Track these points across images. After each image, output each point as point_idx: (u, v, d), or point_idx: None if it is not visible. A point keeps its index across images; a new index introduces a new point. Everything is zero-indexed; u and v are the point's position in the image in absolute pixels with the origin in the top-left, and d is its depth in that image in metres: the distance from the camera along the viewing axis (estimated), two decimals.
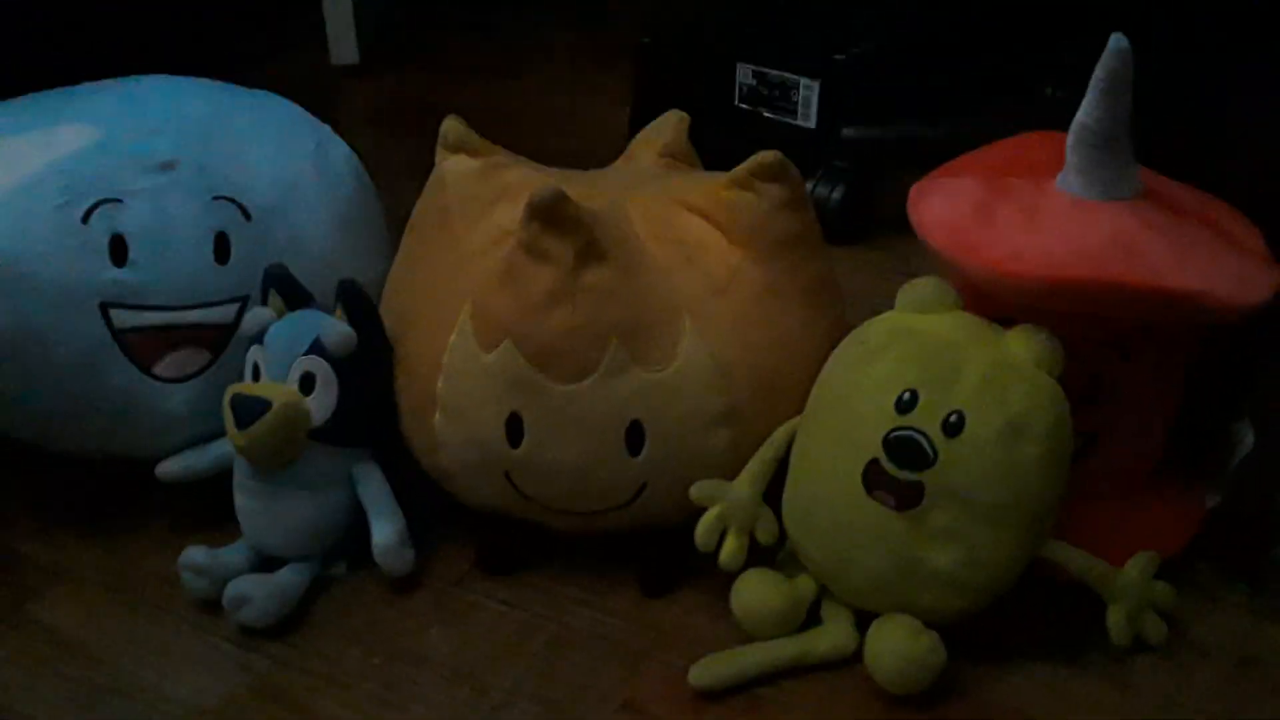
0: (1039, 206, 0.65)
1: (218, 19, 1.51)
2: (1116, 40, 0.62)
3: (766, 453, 0.67)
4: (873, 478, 0.62)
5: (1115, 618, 0.65)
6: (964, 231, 0.65)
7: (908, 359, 0.63)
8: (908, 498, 0.61)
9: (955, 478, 0.60)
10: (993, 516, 0.61)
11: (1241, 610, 0.69)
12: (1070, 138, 0.64)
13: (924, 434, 0.60)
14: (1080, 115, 0.64)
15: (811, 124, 1.07)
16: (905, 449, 0.61)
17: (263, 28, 1.57)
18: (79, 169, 0.69)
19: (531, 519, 0.70)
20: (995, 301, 0.65)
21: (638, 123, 1.21)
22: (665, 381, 0.65)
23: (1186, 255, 0.62)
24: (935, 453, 0.60)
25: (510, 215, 0.67)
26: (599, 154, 0.84)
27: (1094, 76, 0.62)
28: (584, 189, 0.66)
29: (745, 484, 0.67)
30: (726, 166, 0.70)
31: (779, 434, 0.67)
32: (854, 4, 1.12)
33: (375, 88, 1.47)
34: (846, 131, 1.06)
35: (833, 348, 0.67)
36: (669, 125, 0.82)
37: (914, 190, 0.71)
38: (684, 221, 0.69)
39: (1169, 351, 0.68)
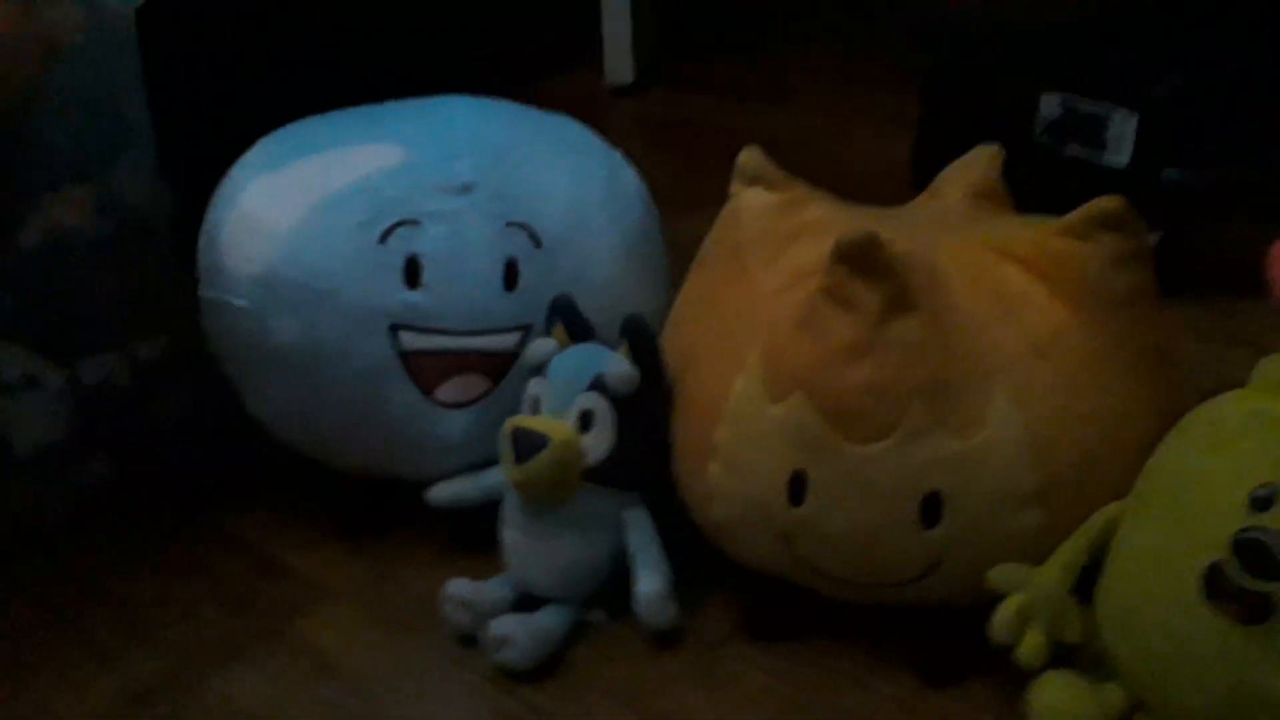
0: None
1: (494, 35, 1.53)
2: None
3: (1081, 540, 0.60)
4: (1215, 583, 0.53)
5: None
6: None
7: (1268, 448, 0.54)
8: (1256, 610, 0.52)
9: None
10: None
11: None
12: None
13: None
14: None
15: (1123, 162, 0.98)
16: (1259, 554, 0.52)
17: (538, 46, 1.59)
18: (381, 188, 0.70)
19: (806, 584, 0.65)
20: None
21: (921, 153, 1.15)
22: (972, 451, 0.59)
23: None
24: None
25: (809, 255, 0.63)
26: (873, 186, 0.78)
27: None
28: (891, 229, 0.61)
29: (1054, 572, 0.59)
30: (1017, 207, 0.63)
31: (1098, 519, 0.60)
32: (1185, 26, 1.01)
33: (644, 109, 1.46)
34: (1168, 173, 0.96)
35: (1165, 425, 0.59)
36: (980, 161, 0.75)
37: (1277, 249, 0.62)
38: (1002, 271, 0.63)
39: None
